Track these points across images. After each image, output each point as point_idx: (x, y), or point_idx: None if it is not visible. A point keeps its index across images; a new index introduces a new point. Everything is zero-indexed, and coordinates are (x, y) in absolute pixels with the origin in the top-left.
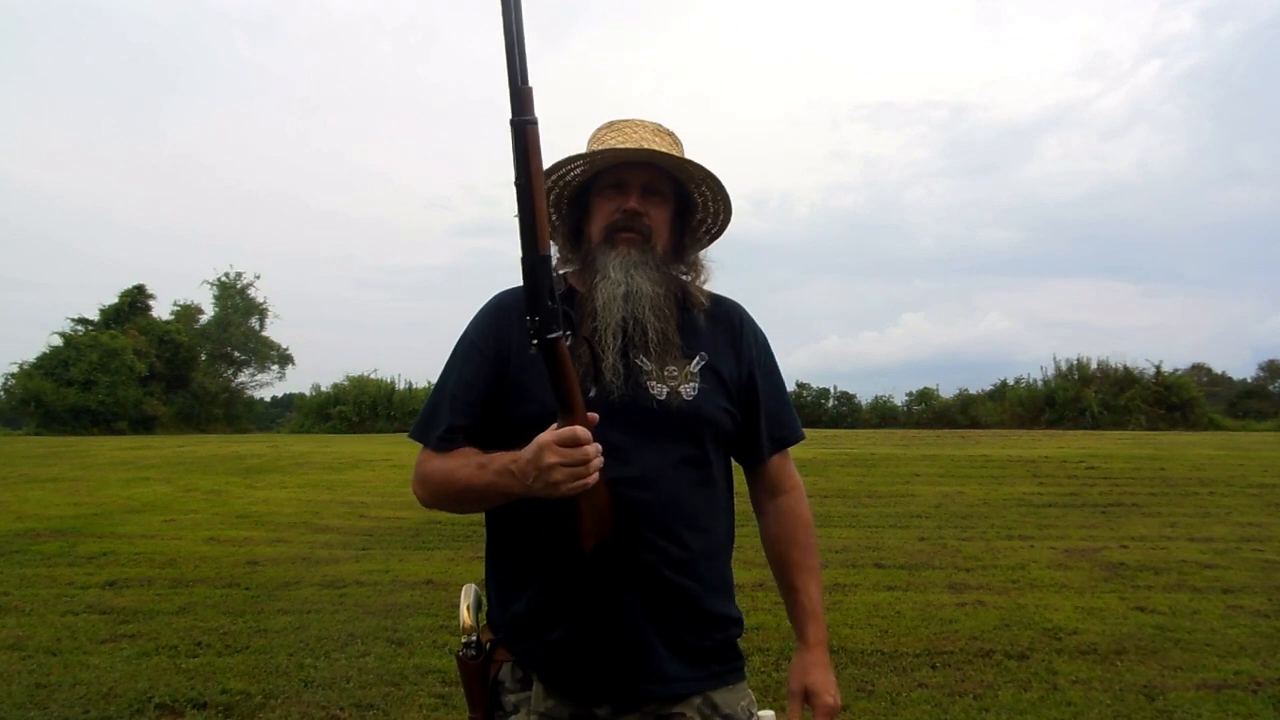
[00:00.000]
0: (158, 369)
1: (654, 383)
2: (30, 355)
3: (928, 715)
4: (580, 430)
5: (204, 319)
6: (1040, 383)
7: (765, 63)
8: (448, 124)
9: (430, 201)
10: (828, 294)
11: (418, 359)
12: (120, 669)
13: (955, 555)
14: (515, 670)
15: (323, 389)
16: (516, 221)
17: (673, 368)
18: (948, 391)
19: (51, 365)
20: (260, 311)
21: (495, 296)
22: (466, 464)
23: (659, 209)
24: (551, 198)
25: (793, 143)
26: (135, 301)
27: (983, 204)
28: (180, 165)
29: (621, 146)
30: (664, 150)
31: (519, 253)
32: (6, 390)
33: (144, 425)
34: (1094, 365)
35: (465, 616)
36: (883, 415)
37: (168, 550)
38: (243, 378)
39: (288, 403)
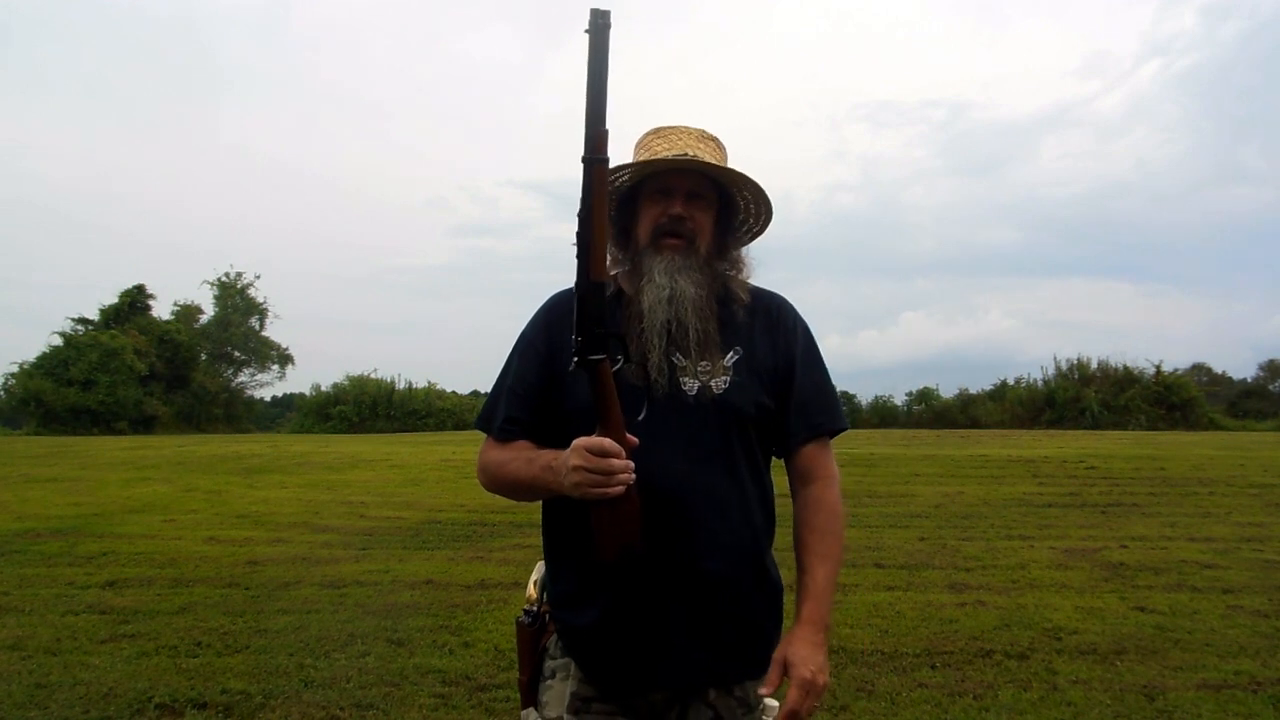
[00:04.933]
0: (158, 369)
1: (687, 378)
2: (30, 355)
3: (928, 715)
4: (608, 443)
5: (204, 319)
6: (1040, 383)
7: (765, 63)
8: (448, 124)
9: (430, 201)
10: (828, 294)
11: (418, 359)
12: (120, 669)
13: (955, 555)
14: (560, 640)
15: (323, 389)
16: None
17: (705, 362)
18: (948, 391)
19: (51, 365)
20: (260, 311)
21: (550, 298)
22: (518, 457)
23: (703, 212)
24: None
25: (793, 143)
26: (135, 301)
27: (983, 204)
28: (180, 165)
29: (666, 155)
30: (707, 156)
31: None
32: (6, 390)
33: (144, 425)
34: (1094, 365)
35: (531, 590)
36: (883, 415)
37: (168, 550)
38: (243, 378)
39: (288, 403)
